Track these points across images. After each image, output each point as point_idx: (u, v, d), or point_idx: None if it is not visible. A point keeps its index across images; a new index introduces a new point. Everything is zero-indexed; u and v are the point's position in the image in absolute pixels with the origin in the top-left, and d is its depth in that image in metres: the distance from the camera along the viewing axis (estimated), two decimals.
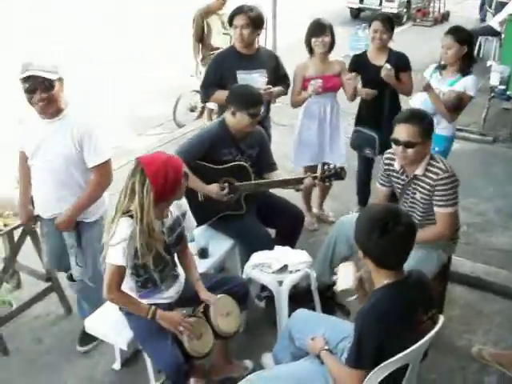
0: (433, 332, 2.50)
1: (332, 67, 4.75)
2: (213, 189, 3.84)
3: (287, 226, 4.10)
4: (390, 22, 4.68)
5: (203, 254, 3.81)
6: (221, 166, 3.87)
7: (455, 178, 3.37)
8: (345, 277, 2.82)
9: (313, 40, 4.60)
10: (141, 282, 3.07)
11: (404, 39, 4.75)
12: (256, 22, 4.42)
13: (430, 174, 3.37)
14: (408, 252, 2.47)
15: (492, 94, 7.80)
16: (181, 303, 3.26)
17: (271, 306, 3.72)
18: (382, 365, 2.38)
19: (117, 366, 3.61)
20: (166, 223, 3.04)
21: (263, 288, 3.91)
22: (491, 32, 10.81)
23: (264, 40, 9.10)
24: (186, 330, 2.95)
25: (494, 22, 10.90)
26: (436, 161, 3.40)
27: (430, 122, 3.41)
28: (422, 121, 3.33)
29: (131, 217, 2.83)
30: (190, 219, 3.30)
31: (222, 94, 4.32)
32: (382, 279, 2.48)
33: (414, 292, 2.49)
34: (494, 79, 7.91)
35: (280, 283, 3.54)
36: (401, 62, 4.69)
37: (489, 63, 8.77)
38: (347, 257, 3.78)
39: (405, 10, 15.41)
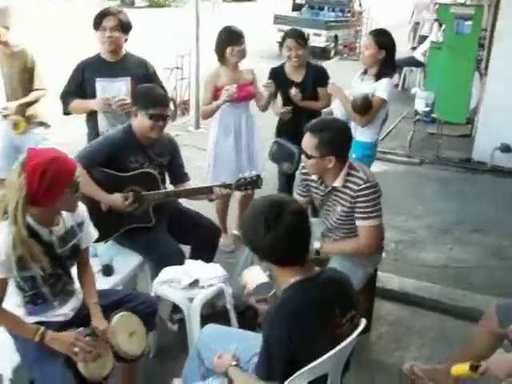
0: (353, 336, 2.17)
1: (244, 76, 4.54)
2: (115, 199, 3.45)
3: (202, 242, 3.73)
4: (303, 38, 4.48)
5: (107, 271, 3.39)
6: (126, 174, 3.49)
7: (377, 189, 3.10)
8: (253, 277, 2.50)
9: (229, 49, 4.36)
10: (29, 297, 2.63)
11: (331, 73, 4.56)
12: (125, 26, 4.09)
13: (350, 185, 3.09)
14: (306, 242, 2.17)
15: (417, 117, 7.83)
16: (78, 321, 2.80)
17: (185, 329, 3.33)
18: (296, 375, 2.03)
19: None
20: (55, 232, 2.64)
21: (176, 309, 3.51)
22: (415, 63, 11.01)
23: (188, 63, 8.95)
24: (81, 352, 2.53)
25: (417, 53, 11.11)
26: (356, 170, 3.12)
27: (333, 136, 3.01)
28: (321, 132, 2.99)
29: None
30: (89, 230, 2.90)
31: (80, 104, 4.07)
32: (288, 278, 2.17)
33: (328, 289, 2.18)
34: (420, 105, 7.97)
35: (191, 300, 3.17)
36: (319, 77, 4.51)
37: (413, 90, 8.86)
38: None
39: (332, 45, 15.60)
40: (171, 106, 9.01)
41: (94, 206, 3.30)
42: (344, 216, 3.16)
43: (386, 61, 4.14)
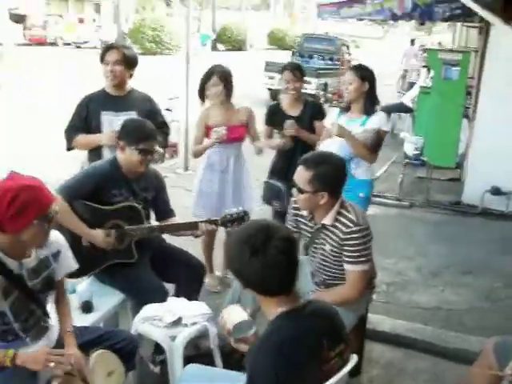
0: (344, 371, 2.02)
1: (237, 116, 4.44)
2: (96, 234, 3.33)
3: (187, 279, 3.58)
4: (300, 71, 4.52)
5: (87, 307, 3.23)
6: (109, 208, 3.37)
7: (367, 232, 2.97)
8: (232, 315, 2.36)
9: (206, 92, 4.35)
10: None
11: None
12: (130, 61, 4.04)
13: (340, 226, 2.96)
14: (294, 270, 2.03)
15: (406, 161, 7.79)
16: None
17: (167, 372, 3.15)
18: None
19: None
20: (25, 264, 2.51)
21: (159, 350, 3.35)
22: (404, 109, 11.07)
23: (178, 106, 8.95)
24: (58, 365, 2.39)
25: (406, 98, 11.18)
26: (347, 210, 2.98)
27: (328, 171, 2.88)
28: (316, 166, 2.87)
29: None
30: (66, 260, 2.77)
31: (86, 138, 3.99)
32: (272, 309, 2.03)
33: (315, 321, 2.05)
34: (409, 149, 7.97)
35: (173, 338, 3.02)
36: (315, 111, 4.53)
37: (402, 135, 8.87)
38: (255, 310, 3.33)
39: (322, 93, 15.71)
40: (159, 148, 8.96)
41: (74, 240, 3.19)
42: (332, 256, 3.03)
43: (370, 93, 4.14)
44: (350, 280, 3.00)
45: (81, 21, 37.48)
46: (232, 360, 3.31)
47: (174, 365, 3.00)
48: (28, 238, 2.39)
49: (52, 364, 2.40)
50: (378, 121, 4.09)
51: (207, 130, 4.36)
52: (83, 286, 3.41)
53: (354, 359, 2.10)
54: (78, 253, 2.93)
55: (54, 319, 2.77)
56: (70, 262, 2.80)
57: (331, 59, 17.33)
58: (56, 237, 2.69)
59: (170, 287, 3.58)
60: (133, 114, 3.99)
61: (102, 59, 4.00)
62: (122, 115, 3.94)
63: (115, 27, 34.52)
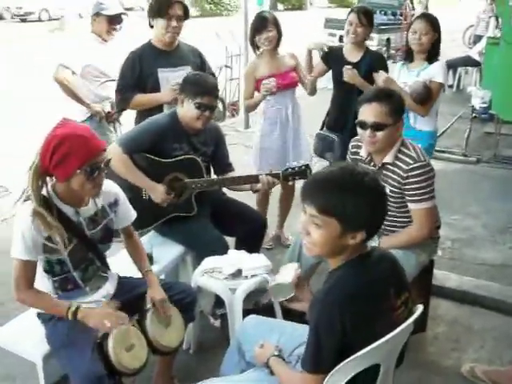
0: (409, 321, 1.92)
1: (285, 62, 4.28)
2: (157, 187, 3.30)
3: (248, 233, 3.53)
4: (368, 16, 4.20)
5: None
6: (169, 160, 3.34)
7: (429, 168, 2.89)
8: (284, 274, 2.32)
9: (256, 38, 4.17)
10: (58, 282, 2.52)
11: None
12: (188, 14, 3.92)
13: (400, 164, 2.89)
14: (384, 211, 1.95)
15: (473, 115, 7.49)
16: None
17: (227, 325, 3.15)
18: (343, 364, 1.80)
19: None
20: (82, 213, 2.52)
21: (219, 303, 3.34)
22: (471, 62, 10.62)
23: (238, 64, 8.83)
24: (114, 325, 2.41)
25: (473, 52, 10.72)
26: (407, 148, 2.92)
27: (400, 101, 2.92)
28: (390, 98, 2.85)
29: None
30: (124, 210, 2.76)
31: (146, 97, 3.85)
32: (340, 255, 1.92)
33: (382, 267, 1.95)
34: (476, 103, 7.65)
35: (233, 291, 2.99)
36: (376, 62, 4.22)
37: (469, 89, 8.51)
38: (315, 264, 3.27)
39: (384, 49, 15.26)
40: (220, 106, 8.93)
41: (134, 194, 3.18)
42: (393, 198, 2.93)
43: (436, 43, 3.97)
44: (417, 220, 2.93)
45: None
46: (293, 315, 3.29)
47: (234, 317, 2.98)
48: (77, 186, 2.36)
49: (108, 324, 2.41)
50: (432, 71, 3.92)
51: (257, 84, 4.23)
52: (144, 239, 3.40)
53: (419, 309, 1.99)
54: (138, 206, 2.92)
55: (113, 270, 2.79)
56: (128, 211, 2.79)
57: (394, 14, 16.71)
58: (112, 186, 2.68)
59: (230, 241, 3.55)
60: (188, 69, 3.91)
61: (163, 13, 3.78)
62: (179, 70, 3.88)
63: None
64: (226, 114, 9.05)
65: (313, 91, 4.36)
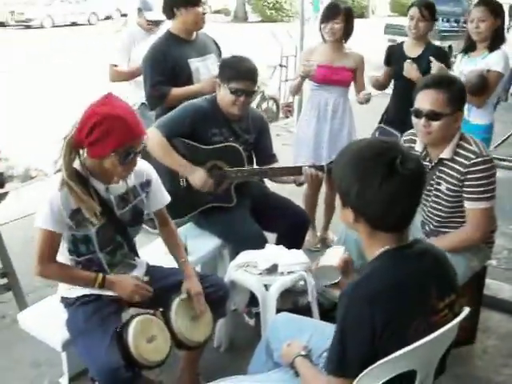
0: (452, 323, 1.69)
1: (345, 59, 4.07)
2: (197, 171, 3.15)
3: (289, 229, 3.34)
4: (430, 10, 4.00)
5: None
6: (209, 147, 3.20)
7: (492, 165, 2.65)
8: (330, 256, 2.13)
9: (322, 25, 3.98)
10: (82, 263, 2.41)
11: None
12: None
13: (460, 159, 2.65)
14: (416, 206, 1.72)
15: None
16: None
17: None
18: (373, 367, 1.59)
19: (64, 381, 2.81)
20: (113, 190, 2.40)
21: (255, 301, 3.16)
22: None
23: (293, 65, 8.67)
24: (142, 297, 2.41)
25: None
26: (468, 142, 2.69)
27: (461, 89, 2.69)
28: (450, 86, 2.62)
29: None
30: (157, 192, 2.64)
31: (184, 90, 3.66)
32: (377, 247, 1.72)
33: (424, 263, 1.72)
34: None
35: (267, 287, 2.82)
36: (438, 56, 3.97)
37: None
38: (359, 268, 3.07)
39: None
40: (273, 106, 8.79)
41: (170, 181, 3.08)
42: (448, 196, 2.71)
43: (501, 29, 3.74)
44: (471, 219, 2.69)
45: None
46: (331, 317, 3.09)
47: (267, 315, 2.80)
48: (108, 166, 2.27)
49: (137, 297, 2.35)
50: (491, 60, 3.69)
51: None
52: (180, 231, 3.26)
53: (466, 310, 1.77)
54: (174, 194, 2.80)
55: (142, 258, 2.67)
56: (161, 193, 2.66)
57: (457, 21, 16.27)
58: (145, 166, 2.56)
59: (271, 238, 3.38)
60: (213, 56, 3.83)
61: (194, 0, 3.64)
62: (206, 59, 3.79)
63: None
64: (280, 115, 8.91)
65: (362, 103, 4.12)
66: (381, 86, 4.34)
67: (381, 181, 1.60)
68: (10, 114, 8.98)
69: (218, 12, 32.23)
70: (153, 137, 3.02)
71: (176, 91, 3.68)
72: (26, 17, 25.91)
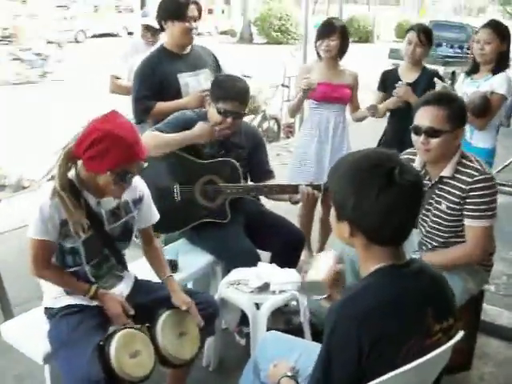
0: (446, 346, 1.62)
1: (342, 76, 4.05)
2: (199, 128, 3.07)
3: (284, 248, 3.26)
4: (427, 35, 3.99)
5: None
6: (204, 161, 3.15)
7: (494, 183, 2.59)
8: (319, 267, 2.03)
9: (318, 42, 3.96)
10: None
11: None
12: (201, 13, 3.71)
13: (462, 177, 2.59)
14: (414, 219, 1.67)
15: None
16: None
17: None
18: None
19: None
20: (104, 204, 2.35)
21: (246, 320, 3.09)
22: None
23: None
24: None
25: None
26: (469, 160, 2.63)
27: (462, 107, 2.64)
28: (450, 103, 2.57)
29: None
30: (147, 209, 2.58)
31: (168, 105, 3.55)
32: (373, 263, 1.65)
33: (421, 282, 1.66)
34: None
35: (258, 306, 2.75)
36: (432, 79, 3.96)
37: None
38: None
39: (449, 82, 14.84)
40: (274, 126, 8.77)
41: (164, 195, 3.04)
42: (448, 216, 2.65)
43: (505, 53, 3.71)
44: (471, 238, 2.62)
45: (210, 11, 38.04)
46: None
47: (257, 334, 2.73)
48: (102, 183, 2.22)
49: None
50: (494, 82, 3.66)
51: None
52: (171, 246, 3.23)
53: (460, 334, 1.70)
54: (168, 208, 2.75)
55: (130, 271, 2.60)
56: (151, 211, 2.61)
57: (461, 47, 16.34)
58: (139, 183, 2.50)
59: (265, 257, 3.31)
60: (206, 71, 3.75)
61: (182, 16, 3.56)
62: (198, 74, 3.71)
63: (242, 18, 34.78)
64: (281, 135, 8.90)
65: (360, 119, 4.18)
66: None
67: (378, 192, 1.55)
68: (3, 124, 9.10)
69: (224, 33, 32.49)
70: (146, 136, 2.96)
71: (161, 105, 3.59)
72: None
